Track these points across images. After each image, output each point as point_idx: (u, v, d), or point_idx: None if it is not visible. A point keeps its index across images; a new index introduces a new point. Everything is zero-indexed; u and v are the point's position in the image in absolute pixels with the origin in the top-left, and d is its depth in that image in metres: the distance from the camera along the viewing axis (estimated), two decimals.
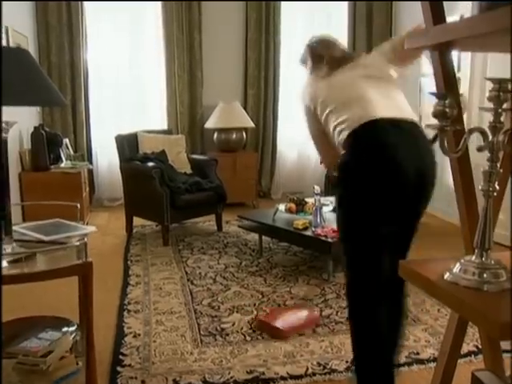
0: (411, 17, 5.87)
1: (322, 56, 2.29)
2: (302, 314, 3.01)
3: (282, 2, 6.20)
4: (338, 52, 2.32)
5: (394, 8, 6.42)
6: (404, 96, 2.15)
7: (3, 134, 1.88)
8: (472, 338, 2.71)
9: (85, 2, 5.78)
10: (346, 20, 6.46)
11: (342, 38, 6.45)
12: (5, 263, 1.83)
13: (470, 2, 3.93)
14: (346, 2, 6.41)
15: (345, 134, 2.01)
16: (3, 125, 1.87)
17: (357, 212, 2.00)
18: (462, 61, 4.80)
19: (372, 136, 1.97)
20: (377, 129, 1.96)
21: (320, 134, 2.29)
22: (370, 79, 2.12)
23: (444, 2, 1.34)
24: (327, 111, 2.13)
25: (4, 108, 1.90)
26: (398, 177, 1.93)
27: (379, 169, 1.92)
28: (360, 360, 2.06)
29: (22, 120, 4.69)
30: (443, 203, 5.25)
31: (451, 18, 1.52)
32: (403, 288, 2.16)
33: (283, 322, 2.88)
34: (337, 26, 6.46)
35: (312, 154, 6.53)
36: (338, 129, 2.06)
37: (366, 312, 2.03)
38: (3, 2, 4.52)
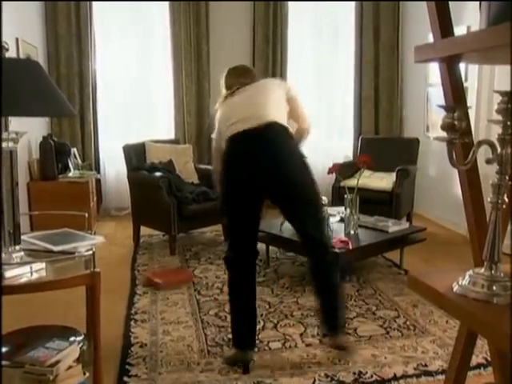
0: (418, 15, 5.88)
1: (231, 82, 2.81)
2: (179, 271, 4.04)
3: (290, 14, 6.22)
4: (243, 79, 2.79)
5: (402, 8, 6.44)
6: (279, 111, 2.63)
7: (13, 144, 1.90)
8: (481, 350, 2.69)
9: (94, 14, 5.83)
10: (353, 19, 6.45)
11: (349, 35, 6.49)
12: (13, 272, 1.84)
13: (477, 13, 3.94)
14: (354, 2, 6.41)
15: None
16: (13, 135, 1.89)
17: (222, 197, 2.66)
18: (470, 71, 4.80)
19: (232, 146, 2.57)
20: (236, 139, 2.54)
21: (217, 150, 2.78)
22: (249, 97, 2.65)
23: (451, 11, 1.34)
24: (227, 125, 2.63)
25: (14, 118, 1.92)
26: (247, 177, 2.52)
27: (233, 175, 2.56)
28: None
29: (31, 130, 4.72)
30: (451, 214, 5.24)
31: (458, 28, 1.53)
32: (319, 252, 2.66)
33: (162, 278, 3.81)
34: (343, 25, 6.50)
35: (319, 164, 6.53)
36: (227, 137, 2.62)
37: (230, 274, 2.72)
38: (14, 14, 4.60)
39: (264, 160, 2.48)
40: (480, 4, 1.11)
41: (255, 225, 2.68)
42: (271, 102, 2.62)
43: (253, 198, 2.59)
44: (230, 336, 2.94)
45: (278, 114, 2.60)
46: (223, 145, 2.63)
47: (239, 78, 2.81)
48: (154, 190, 4.57)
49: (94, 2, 5.82)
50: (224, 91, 2.83)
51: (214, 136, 2.83)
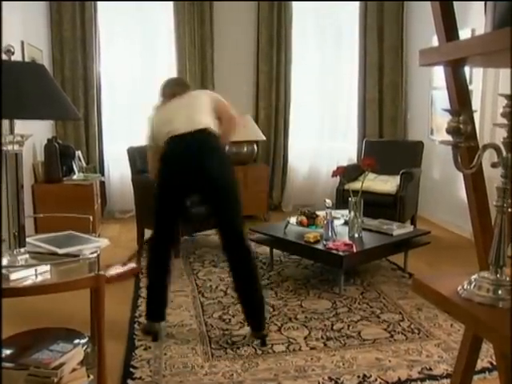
0: (422, 16, 5.88)
1: (167, 92, 3.19)
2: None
3: (294, 15, 6.22)
4: (178, 89, 3.16)
5: (406, 8, 6.43)
6: (209, 118, 2.99)
7: (18, 147, 1.91)
8: (486, 354, 2.68)
9: (98, 17, 5.85)
10: (357, 20, 6.42)
11: (353, 37, 6.47)
12: (18, 275, 1.85)
13: (482, 15, 3.93)
14: (358, 2, 6.38)
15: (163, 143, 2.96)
16: (19, 138, 1.90)
17: (157, 194, 3.00)
18: (474, 74, 4.79)
19: (170, 147, 2.93)
20: (174, 141, 2.91)
21: (154, 152, 3.09)
22: (184, 106, 3.02)
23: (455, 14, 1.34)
24: (160, 127, 3.03)
25: (19, 121, 1.93)
26: (180, 174, 2.90)
27: (169, 172, 2.94)
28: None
29: (36, 132, 4.73)
30: (456, 217, 5.22)
31: (462, 31, 1.53)
32: (243, 253, 2.92)
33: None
34: (347, 26, 6.49)
35: (323, 167, 6.54)
36: (164, 139, 2.95)
37: (150, 254, 3.14)
38: (19, 17, 4.61)
39: (196, 160, 2.86)
40: (485, 6, 1.11)
41: (178, 216, 3.08)
42: (204, 111, 3.01)
43: (182, 192, 2.98)
44: (233, 339, 2.96)
45: (209, 121, 2.98)
46: (160, 144, 2.99)
47: (174, 87, 3.20)
48: None
49: (98, 4, 5.83)
50: (161, 99, 3.23)
51: (148, 140, 3.17)
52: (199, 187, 2.93)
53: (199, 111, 3.00)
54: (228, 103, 3.13)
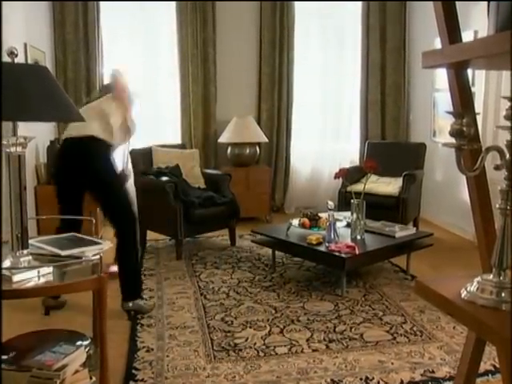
0: (425, 17, 5.88)
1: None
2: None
3: (296, 16, 6.22)
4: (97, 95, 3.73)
5: (408, 8, 6.43)
6: (97, 125, 3.42)
7: (21, 149, 1.91)
8: (489, 357, 2.67)
9: (101, 19, 5.85)
10: (359, 20, 6.41)
11: (356, 38, 6.46)
12: (20, 276, 1.85)
13: (485, 17, 3.93)
14: (360, 2, 6.37)
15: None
16: (22, 139, 1.90)
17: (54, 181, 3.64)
18: (477, 76, 4.78)
19: (61, 147, 3.55)
20: (64, 142, 3.46)
21: None
22: (87, 111, 3.41)
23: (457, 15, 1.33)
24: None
25: (21, 123, 1.93)
26: (63, 170, 3.47)
27: (56, 165, 3.60)
28: None
29: (39, 134, 4.75)
30: (458, 219, 5.21)
31: (465, 33, 1.52)
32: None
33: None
34: (350, 27, 6.48)
35: (325, 169, 6.53)
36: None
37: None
38: (22, 19, 4.61)
39: (76, 161, 3.38)
40: (488, 8, 1.11)
41: (75, 202, 3.50)
42: (94, 118, 3.40)
43: (70, 184, 3.46)
44: (236, 341, 2.96)
45: (97, 128, 3.39)
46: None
47: (96, 94, 3.82)
48: (160, 194, 4.58)
49: (101, 7, 5.83)
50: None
51: None
52: (80, 181, 3.43)
53: (91, 119, 3.33)
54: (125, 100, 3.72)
